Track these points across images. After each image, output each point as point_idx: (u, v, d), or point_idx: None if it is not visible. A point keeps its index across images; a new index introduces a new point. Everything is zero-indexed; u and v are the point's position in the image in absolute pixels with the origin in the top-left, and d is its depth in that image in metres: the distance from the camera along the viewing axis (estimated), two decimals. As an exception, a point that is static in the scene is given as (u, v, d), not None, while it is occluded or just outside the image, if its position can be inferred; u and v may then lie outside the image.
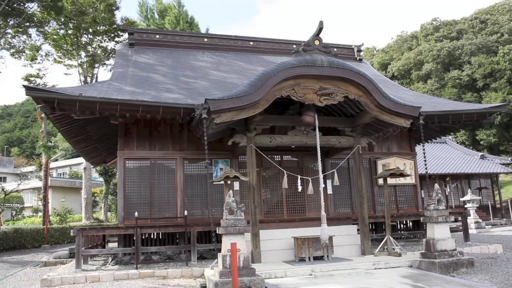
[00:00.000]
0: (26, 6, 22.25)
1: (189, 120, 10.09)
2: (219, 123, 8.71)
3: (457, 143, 36.34)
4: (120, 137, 10.88)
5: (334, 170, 10.27)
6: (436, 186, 9.11)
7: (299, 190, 9.88)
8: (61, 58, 28.11)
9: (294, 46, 16.15)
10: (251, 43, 15.64)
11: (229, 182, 9.76)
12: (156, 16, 38.61)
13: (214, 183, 10.32)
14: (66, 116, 9.81)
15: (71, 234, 9.36)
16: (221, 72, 13.12)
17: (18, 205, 35.59)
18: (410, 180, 12.96)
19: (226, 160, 11.54)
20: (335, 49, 16.31)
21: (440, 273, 8.04)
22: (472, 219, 18.50)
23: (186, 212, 10.09)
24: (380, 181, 12.51)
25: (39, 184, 30.16)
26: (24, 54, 25.09)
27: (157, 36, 14.80)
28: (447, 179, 23.98)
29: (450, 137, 30.88)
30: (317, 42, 9.61)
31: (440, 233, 8.67)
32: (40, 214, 30.72)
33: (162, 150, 11.12)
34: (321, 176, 9.60)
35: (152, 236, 10.95)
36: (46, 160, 21.01)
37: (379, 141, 13.01)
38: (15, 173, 44.79)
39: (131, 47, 14.13)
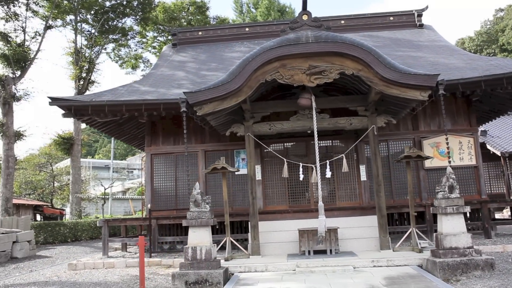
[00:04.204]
0: (121, 21, 25.24)
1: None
2: (201, 115, 8.68)
3: None
4: (147, 134, 11.68)
5: (343, 155, 9.26)
6: (449, 169, 7.48)
7: (301, 179, 9.20)
8: (162, 63, 31.05)
9: (342, 22, 14.92)
10: (295, 25, 14.86)
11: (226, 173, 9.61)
12: (253, 10, 39.55)
13: (206, 173, 10.36)
14: (92, 120, 10.97)
15: (98, 224, 10.49)
16: (249, 61, 12.87)
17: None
18: (469, 161, 10.82)
19: (247, 150, 11.36)
20: (391, 18, 14.72)
21: (442, 276, 6.64)
22: None
23: (194, 204, 10.31)
24: (428, 163, 10.87)
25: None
26: (129, 63, 28.51)
27: (200, 33, 15.27)
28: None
29: None
30: (305, 17, 8.78)
31: (449, 226, 7.12)
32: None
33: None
34: (318, 164, 8.76)
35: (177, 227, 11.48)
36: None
37: (426, 117, 11.18)
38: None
39: (173, 47, 14.91)
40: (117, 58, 28.55)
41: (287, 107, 9.60)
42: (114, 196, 43.19)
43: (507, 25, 49.52)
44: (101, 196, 26.44)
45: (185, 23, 30.77)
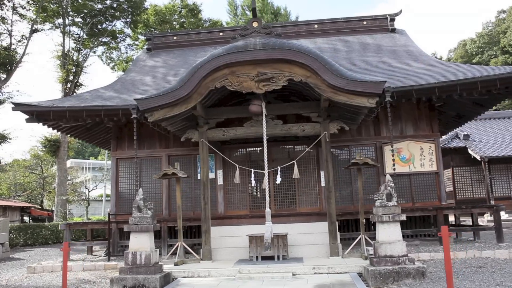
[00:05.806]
0: (111, 24, 25.48)
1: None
2: (152, 121, 8.79)
3: None
4: (113, 139, 11.83)
5: (294, 161, 9.30)
6: (388, 177, 7.50)
7: (253, 185, 9.26)
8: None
9: (316, 26, 14.94)
10: (269, 29, 14.92)
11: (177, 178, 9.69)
12: (248, 12, 39.58)
13: (157, 179, 10.42)
14: (58, 125, 11.12)
15: (59, 228, 10.65)
16: (217, 66, 12.95)
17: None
18: (430, 167, 10.80)
19: (211, 155, 11.41)
20: (364, 22, 14.69)
21: (374, 284, 6.67)
22: None
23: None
24: (388, 169, 10.86)
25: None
26: (121, 66, 28.75)
27: (175, 38, 15.39)
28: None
29: None
30: (255, 24, 8.84)
31: (385, 234, 7.14)
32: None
33: (149, 149, 11.69)
34: (266, 170, 8.81)
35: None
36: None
37: (388, 123, 11.15)
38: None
39: (148, 52, 15.04)
40: (109, 61, 28.81)
41: (242, 114, 9.65)
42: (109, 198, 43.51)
43: (509, 26, 49.02)
44: (85, 199, 26.71)
45: (177, 26, 30.96)
